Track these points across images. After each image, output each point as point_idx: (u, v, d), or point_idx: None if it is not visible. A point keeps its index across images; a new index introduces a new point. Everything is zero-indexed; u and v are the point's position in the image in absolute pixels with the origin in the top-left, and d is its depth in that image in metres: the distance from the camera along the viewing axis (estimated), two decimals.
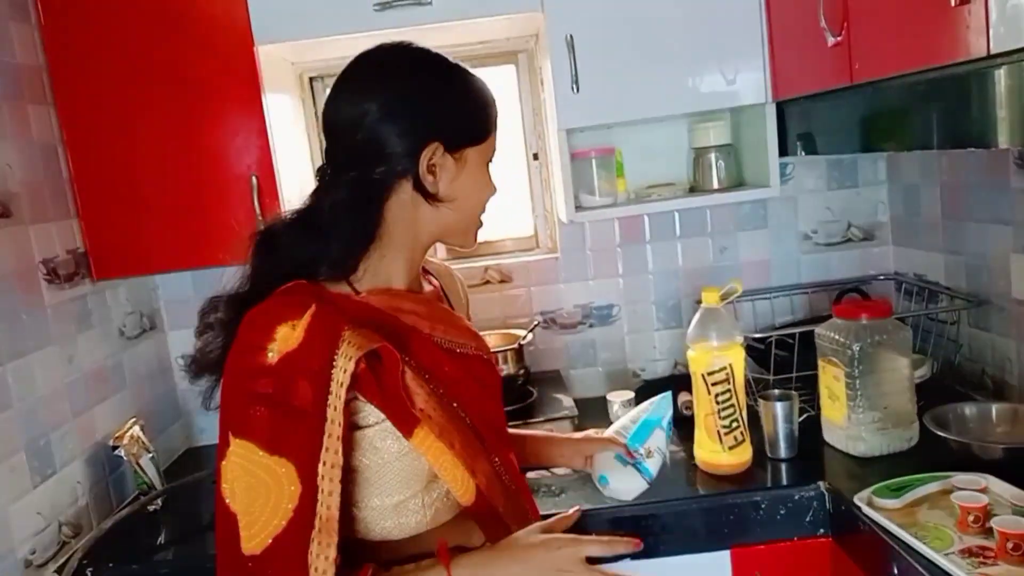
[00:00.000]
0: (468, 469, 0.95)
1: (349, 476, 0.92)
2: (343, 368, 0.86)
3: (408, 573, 0.91)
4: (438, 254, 2.09)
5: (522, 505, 1.08)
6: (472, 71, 1.03)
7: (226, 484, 0.87)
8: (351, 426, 0.91)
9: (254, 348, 0.87)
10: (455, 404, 0.99)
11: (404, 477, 0.96)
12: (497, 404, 1.09)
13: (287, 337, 0.87)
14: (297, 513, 0.84)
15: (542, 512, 1.13)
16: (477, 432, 1.01)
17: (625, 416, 1.35)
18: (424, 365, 0.97)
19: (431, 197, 0.97)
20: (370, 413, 0.92)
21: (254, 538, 0.84)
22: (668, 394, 1.35)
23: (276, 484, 0.85)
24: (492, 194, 1.05)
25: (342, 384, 0.86)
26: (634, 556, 1.46)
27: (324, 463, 0.86)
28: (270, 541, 0.84)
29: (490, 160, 1.04)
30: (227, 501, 0.86)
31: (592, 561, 0.95)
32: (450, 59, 1.02)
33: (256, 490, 0.85)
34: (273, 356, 0.86)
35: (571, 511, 1.10)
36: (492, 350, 1.13)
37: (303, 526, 0.84)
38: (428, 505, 1.00)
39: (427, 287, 1.11)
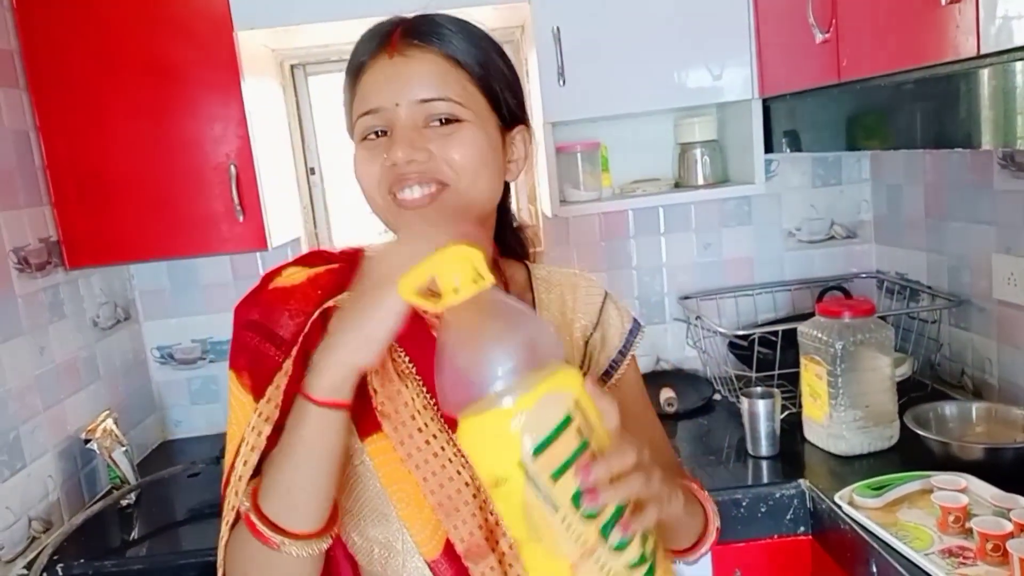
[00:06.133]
0: (436, 511, 0.76)
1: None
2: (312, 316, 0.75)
3: (285, 436, 0.71)
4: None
5: None
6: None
7: None
8: None
9: (261, 281, 0.82)
10: (454, 435, 0.76)
11: (369, 501, 0.78)
12: None
13: (291, 275, 0.81)
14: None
15: None
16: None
17: None
18: (425, 379, 0.79)
19: None
20: None
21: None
22: None
23: (238, 422, 0.76)
24: (367, 168, 0.79)
25: (301, 334, 0.74)
26: None
27: (251, 427, 0.74)
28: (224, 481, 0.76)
29: (364, 135, 0.79)
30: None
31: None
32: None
33: (231, 423, 0.78)
34: (268, 287, 0.80)
35: None
36: None
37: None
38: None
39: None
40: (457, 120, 0.78)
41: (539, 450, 0.57)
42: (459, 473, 0.76)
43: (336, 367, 0.67)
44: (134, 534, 1.56)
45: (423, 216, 0.76)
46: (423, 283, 0.62)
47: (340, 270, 0.80)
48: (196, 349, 2.04)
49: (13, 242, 1.53)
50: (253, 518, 0.69)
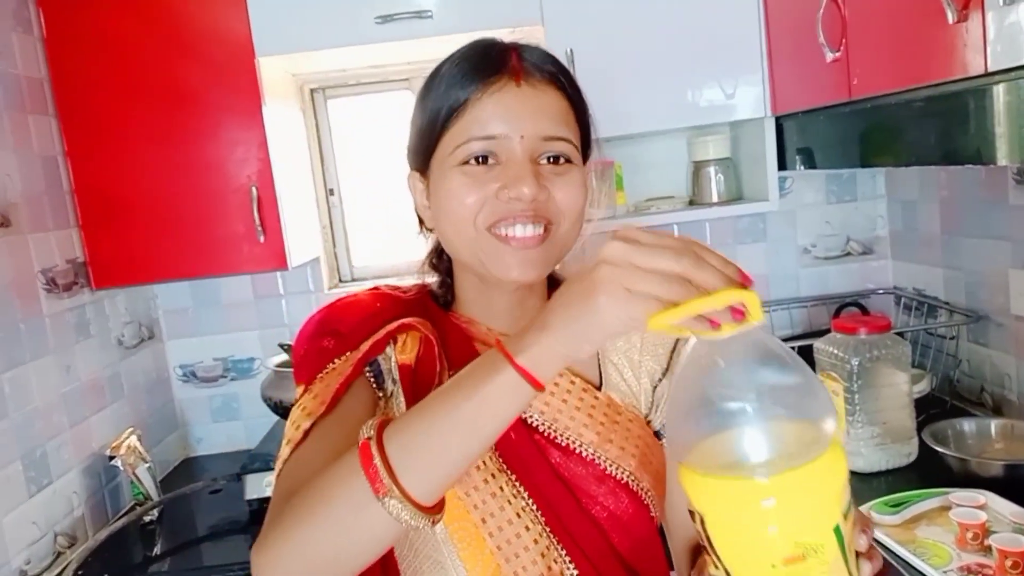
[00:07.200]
0: (495, 555, 0.72)
1: None
2: (382, 328, 0.75)
3: (457, 378, 0.61)
4: None
5: None
6: (456, 52, 0.78)
7: None
8: None
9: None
10: (512, 475, 0.75)
11: (424, 548, 0.75)
12: (593, 524, 0.76)
13: (360, 295, 0.82)
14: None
15: None
16: (546, 522, 0.75)
17: None
18: None
19: (425, 228, 0.86)
20: None
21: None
22: None
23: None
24: (467, 195, 0.74)
25: (367, 343, 0.74)
26: None
27: (291, 421, 0.71)
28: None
29: (465, 159, 0.74)
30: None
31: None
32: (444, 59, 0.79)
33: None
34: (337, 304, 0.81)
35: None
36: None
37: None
38: None
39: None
40: (568, 161, 0.77)
41: (846, 514, 0.53)
42: (519, 516, 0.74)
43: (546, 348, 0.57)
44: (156, 550, 1.59)
45: (526, 257, 0.75)
46: (684, 318, 0.52)
47: (406, 299, 0.82)
48: (218, 367, 2.07)
49: (41, 263, 1.58)
50: (373, 449, 0.58)
